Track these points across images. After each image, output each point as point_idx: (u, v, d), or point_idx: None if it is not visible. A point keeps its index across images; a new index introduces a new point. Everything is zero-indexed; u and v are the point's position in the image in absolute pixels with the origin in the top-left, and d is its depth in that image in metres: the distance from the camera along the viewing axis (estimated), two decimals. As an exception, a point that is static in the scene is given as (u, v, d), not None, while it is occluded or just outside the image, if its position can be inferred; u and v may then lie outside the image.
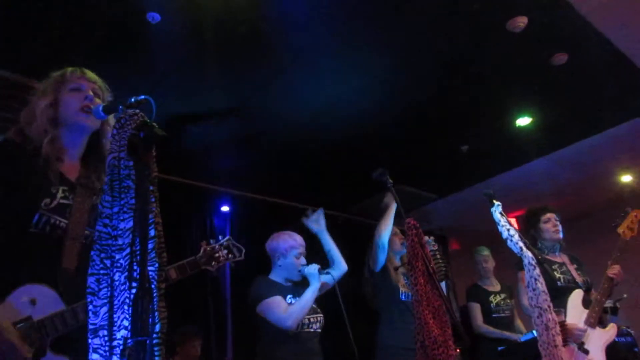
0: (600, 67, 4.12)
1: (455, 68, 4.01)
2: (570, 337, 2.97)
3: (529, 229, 3.47)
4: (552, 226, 3.38)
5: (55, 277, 1.47)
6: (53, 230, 1.52)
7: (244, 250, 2.19)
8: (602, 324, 3.11)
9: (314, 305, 2.77)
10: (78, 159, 1.69)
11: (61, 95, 1.66)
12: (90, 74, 1.73)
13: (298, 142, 4.75)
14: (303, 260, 2.85)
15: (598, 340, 3.01)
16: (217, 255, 2.05)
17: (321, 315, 2.82)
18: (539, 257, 2.28)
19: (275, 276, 2.87)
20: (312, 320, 2.74)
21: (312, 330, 2.72)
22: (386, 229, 3.31)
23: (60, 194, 1.56)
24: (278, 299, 2.65)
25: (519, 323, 4.31)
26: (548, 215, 3.42)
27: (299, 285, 2.83)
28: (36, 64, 3.30)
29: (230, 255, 2.12)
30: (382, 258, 3.31)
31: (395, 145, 4.97)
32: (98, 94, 1.71)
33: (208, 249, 2.04)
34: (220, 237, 2.13)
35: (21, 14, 2.97)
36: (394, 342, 3.17)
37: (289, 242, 2.86)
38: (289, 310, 2.60)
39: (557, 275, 3.25)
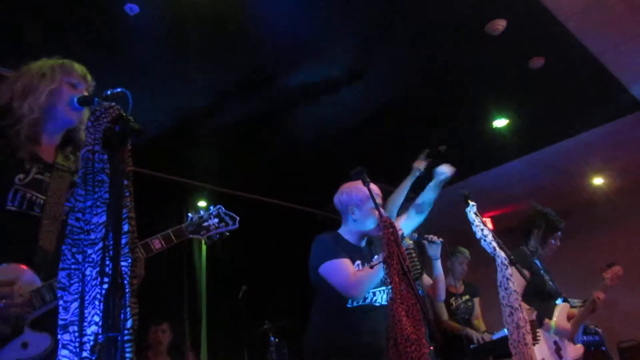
0: (575, 72, 4.21)
1: (434, 69, 4.05)
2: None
3: (541, 226, 3.41)
4: (556, 246, 3.46)
5: (33, 257, 1.46)
6: (30, 207, 1.52)
7: (238, 219, 1.98)
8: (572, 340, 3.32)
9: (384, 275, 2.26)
10: (55, 145, 1.70)
11: (62, 86, 1.67)
12: (89, 77, 1.75)
13: (277, 140, 4.74)
14: (382, 212, 2.30)
15: (571, 353, 3.22)
16: (206, 224, 1.89)
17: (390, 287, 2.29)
18: (511, 258, 2.31)
19: (347, 233, 2.45)
20: (377, 293, 2.34)
21: (377, 305, 2.34)
22: (395, 202, 3.02)
23: (34, 170, 1.56)
24: (346, 261, 2.27)
25: (478, 322, 4.29)
26: (560, 234, 3.45)
27: (372, 248, 2.46)
28: (9, 56, 3.24)
29: (222, 224, 1.93)
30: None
31: (373, 144, 4.99)
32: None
33: (196, 217, 1.90)
34: (211, 207, 1.95)
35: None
36: None
37: (365, 192, 2.29)
38: (357, 276, 2.20)
39: (546, 277, 3.38)
